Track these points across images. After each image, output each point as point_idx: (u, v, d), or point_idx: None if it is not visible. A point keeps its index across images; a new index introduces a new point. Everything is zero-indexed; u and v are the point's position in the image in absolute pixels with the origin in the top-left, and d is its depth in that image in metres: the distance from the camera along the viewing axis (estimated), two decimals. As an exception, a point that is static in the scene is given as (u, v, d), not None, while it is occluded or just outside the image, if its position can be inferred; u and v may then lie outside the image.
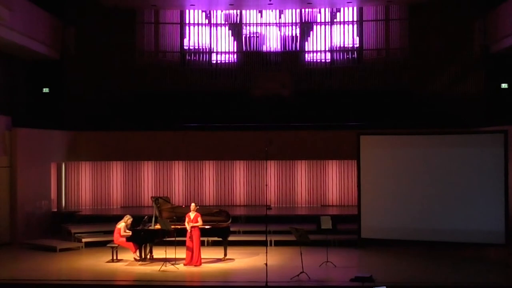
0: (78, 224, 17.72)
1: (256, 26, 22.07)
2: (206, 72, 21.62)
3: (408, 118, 19.28)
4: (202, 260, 13.80)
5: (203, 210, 14.50)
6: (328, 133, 19.30)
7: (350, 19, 21.93)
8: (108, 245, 14.41)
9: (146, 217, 14.48)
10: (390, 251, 15.14)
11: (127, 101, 20.49)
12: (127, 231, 14.13)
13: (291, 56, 21.71)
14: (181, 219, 14.18)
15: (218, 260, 14.17)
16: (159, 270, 13.03)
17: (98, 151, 19.49)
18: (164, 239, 13.81)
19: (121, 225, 14.17)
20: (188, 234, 13.66)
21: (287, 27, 22.05)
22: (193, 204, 13.88)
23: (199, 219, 13.71)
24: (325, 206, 20.43)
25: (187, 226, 13.66)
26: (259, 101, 21.02)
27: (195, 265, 13.50)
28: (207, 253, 14.70)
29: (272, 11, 21.98)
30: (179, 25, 22.12)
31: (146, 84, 21.06)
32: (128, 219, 14.30)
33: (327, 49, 21.85)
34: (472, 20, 19.47)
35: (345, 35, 21.86)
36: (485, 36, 19.11)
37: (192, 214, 13.72)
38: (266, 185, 19.43)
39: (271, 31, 22.09)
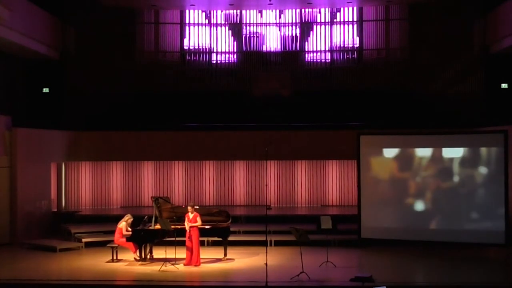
0: (78, 224, 17.73)
1: (256, 26, 22.05)
2: (206, 72, 21.60)
3: (408, 118, 19.28)
4: (202, 260, 13.80)
5: (203, 210, 14.51)
6: (328, 133, 19.29)
7: (350, 19, 21.91)
8: (108, 245, 14.41)
9: (146, 217, 14.48)
10: (390, 251, 15.13)
11: (127, 101, 20.45)
12: (129, 229, 14.14)
13: (291, 56, 21.68)
14: (181, 219, 14.18)
15: (218, 260, 14.17)
16: (159, 270, 13.03)
17: (98, 151, 19.49)
18: (164, 239, 13.81)
19: (122, 224, 14.17)
20: (187, 234, 13.66)
21: (287, 27, 22.03)
22: (189, 207, 13.79)
23: (198, 218, 13.69)
24: (325, 206, 20.43)
25: (186, 226, 13.65)
26: (259, 101, 21.02)
27: (195, 265, 13.50)
28: (207, 253, 14.70)
29: (272, 11, 21.97)
30: (179, 25, 22.11)
31: (146, 84, 21.01)
32: (128, 218, 14.29)
33: (327, 49, 21.83)
34: (472, 20, 19.47)
35: (345, 35, 21.85)
36: (485, 36, 19.12)
37: (191, 214, 13.70)
38: (266, 185, 19.43)
39: (271, 31, 22.07)
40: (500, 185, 14.38)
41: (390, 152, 15.70)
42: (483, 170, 14.71)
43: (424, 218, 15.16)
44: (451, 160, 15.01)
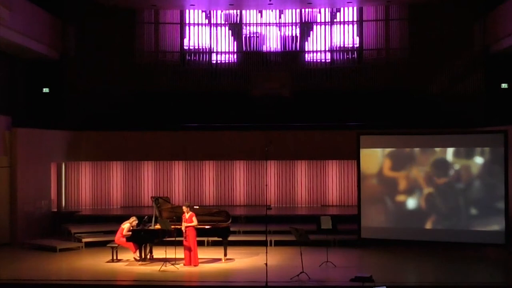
0: (78, 224, 17.72)
1: (256, 26, 22.06)
2: (206, 72, 21.60)
3: (408, 118, 19.28)
4: (202, 260, 13.80)
5: (203, 210, 14.51)
6: (328, 133, 19.29)
7: (350, 19, 21.92)
8: (108, 245, 14.41)
9: (146, 217, 14.47)
10: (390, 251, 15.14)
11: (127, 101, 20.47)
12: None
13: (291, 56, 21.70)
14: (181, 219, 14.16)
15: (218, 260, 14.17)
16: (159, 270, 13.03)
17: (98, 151, 19.49)
18: (164, 239, 13.80)
19: (125, 225, 14.15)
20: (184, 235, 13.63)
21: (287, 27, 22.04)
22: (184, 207, 13.75)
23: (194, 218, 13.65)
24: (325, 206, 20.43)
25: (182, 226, 13.62)
26: (259, 101, 21.02)
27: (194, 265, 13.49)
28: (207, 253, 14.71)
29: (272, 11, 21.98)
30: (179, 25, 22.12)
31: (146, 84, 21.04)
32: (133, 220, 14.27)
33: (327, 49, 21.84)
34: (472, 20, 19.47)
35: (345, 35, 21.85)
36: (485, 36, 19.12)
37: (186, 214, 13.68)
38: (266, 185, 19.42)
39: (271, 31, 22.08)
40: (500, 185, 14.39)
41: (390, 152, 15.70)
42: (483, 170, 14.71)
43: (424, 218, 15.16)
44: (451, 159, 15.01)
